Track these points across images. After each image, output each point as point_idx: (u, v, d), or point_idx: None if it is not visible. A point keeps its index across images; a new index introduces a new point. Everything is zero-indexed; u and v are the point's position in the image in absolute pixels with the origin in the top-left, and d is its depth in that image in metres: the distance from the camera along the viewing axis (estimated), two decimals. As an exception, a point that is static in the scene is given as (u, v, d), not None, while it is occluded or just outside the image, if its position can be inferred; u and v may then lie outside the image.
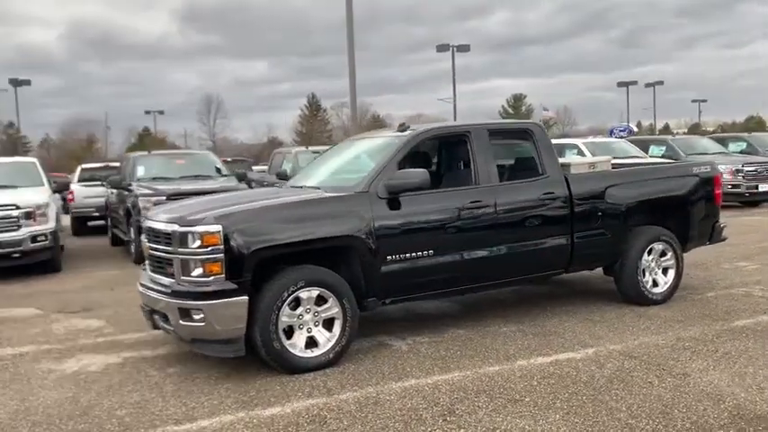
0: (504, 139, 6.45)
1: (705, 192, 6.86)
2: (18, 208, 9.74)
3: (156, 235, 5.07)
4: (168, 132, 73.77)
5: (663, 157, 16.73)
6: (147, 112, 64.23)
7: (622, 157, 15.01)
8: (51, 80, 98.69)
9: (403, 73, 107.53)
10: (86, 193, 16.17)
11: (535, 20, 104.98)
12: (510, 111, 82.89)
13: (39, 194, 10.44)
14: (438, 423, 3.91)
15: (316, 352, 4.92)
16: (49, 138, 73.14)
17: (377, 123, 70.99)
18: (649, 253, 6.48)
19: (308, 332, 4.92)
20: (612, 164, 7.14)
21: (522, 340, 5.52)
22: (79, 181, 17.43)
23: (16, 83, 44.91)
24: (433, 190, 5.53)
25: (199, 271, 4.65)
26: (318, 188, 5.64)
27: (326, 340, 4.96)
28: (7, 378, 5.09)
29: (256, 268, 4.76)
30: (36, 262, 10.02)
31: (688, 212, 6.78)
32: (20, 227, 9.70)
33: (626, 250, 6.35)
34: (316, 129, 74.30)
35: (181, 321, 4.73)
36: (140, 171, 11.86)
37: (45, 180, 11.40)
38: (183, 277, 4.72)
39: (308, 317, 4.91)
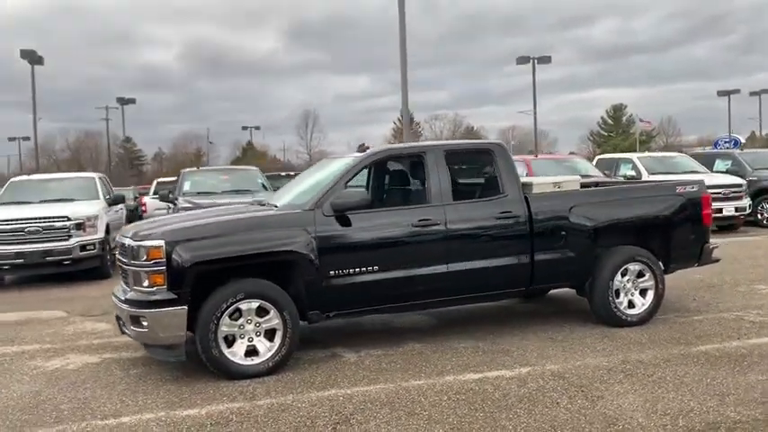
0: (464, 158, 6.57)
1: (690, 212, 6.66)
2: (69, 219, 10.76)
3: (122, 248, 5.61)
4: (269, 146, 77.43)
5: (727, 172, 15.94)
6: (245, 128, 67.33)
7: (679, 173, 14.52)
8: (168, 97, 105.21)
9: (502, 84, 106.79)
10: (157, 206, 17.37)
11: (643, 27, 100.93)
12: (609, 121, 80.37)
13: (91, 207, 11.47)
14: (327, 431, 4.15)
15: (256, 360, 5.27)
16: (161, 151, 78.36)
17: (470, 135, 71.04)
18: (624, 274, 6.38)
19: (250, 341, 5.28)
20: (595, 182, 7.05)
21: (470, 356, 5.62)
22: (154, 194, 18.76)
23: (123, 101, 48.50)
24: (383, 208, 5.77)
25: (146, 282, 5.12)
26: (276, 206, 6.01)
27: (267, 350, 5.30)
28: (-3, 372, 5.78)
29: (200, 280, 5.19)
30: (86, 269, 11.03)
31: (669, 233, 6.62)
32: (70, 236, 10.72)
33: (596, 270, 6.30)
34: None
35: (132, 327, 5.23)
36: (187, 186, 12.81)
37: (101, 194, 12.46)
38: (135, 287, 5.22)
39: (249, 327, 5.27)
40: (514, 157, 7.79)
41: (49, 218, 10.77)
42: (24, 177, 13.97)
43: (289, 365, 5.42)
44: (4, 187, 12.87)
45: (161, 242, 5.10)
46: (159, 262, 5.07)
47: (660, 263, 6.53)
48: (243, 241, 5.29)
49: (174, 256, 5.08)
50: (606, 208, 6.38)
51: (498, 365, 5.34)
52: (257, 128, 67.03)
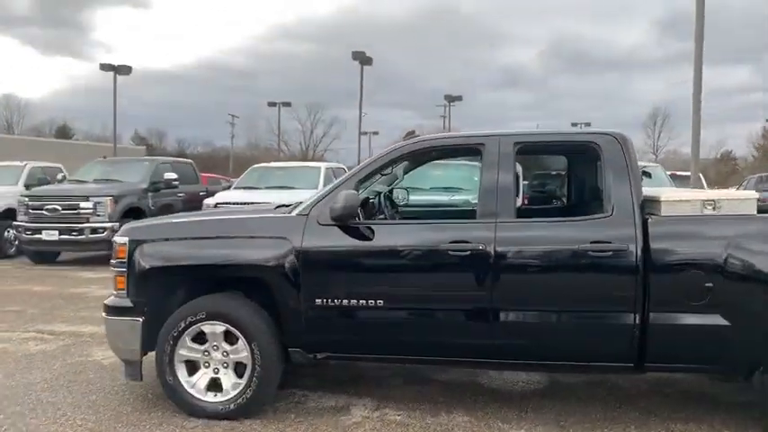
0: (548, 156, 4.41)
1: None
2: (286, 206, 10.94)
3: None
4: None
5: None
6: (575, 124, 64.49)
7: None
8: (526, 95, 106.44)
9: None
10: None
11: None
12: None
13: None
14: None
15: (218, 398, 4.19)
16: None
17: None
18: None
19: (215, 372, 4.22)
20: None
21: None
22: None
23: (450, 98, 50.15)
24: (403, 221, 4.13)
25: (114, 284, 4.43)
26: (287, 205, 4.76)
27: (231, 387, 4.18)
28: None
29: (169, 288, 4.33)
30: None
31: None
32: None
33: (776, 353, 3.68)
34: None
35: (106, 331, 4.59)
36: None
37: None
38: (112, 289, 4.57)
39: (216, 355, 4.21)
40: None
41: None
42: (262, 165, 14.81)
43: (266, 414, 4.21)
44: (245, 172, 13.85)
45: (125, 239, 4.33)
46: (122, 262, 4.32)
47: None
48: (211, 248, 4.24)
49: (135, 256, 4.28)
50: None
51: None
52: (588, 124, 63.40)
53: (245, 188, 12.51)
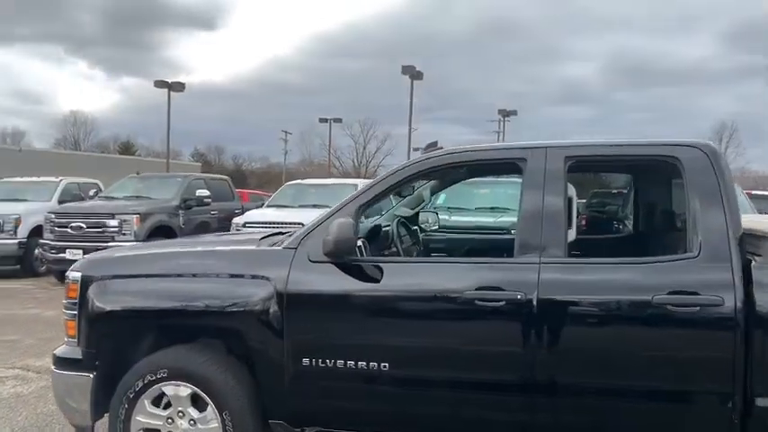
0: (611, 175, 3.37)
1: None
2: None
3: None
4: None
5: None
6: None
7: None
8: (586, 110, 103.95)
9: None
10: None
11: None
12: None
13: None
14: None
15: (182, 478, 3.31)
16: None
17: None
18: None
19: (182, 446, 3.35)
20: None
21: None
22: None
23: (504, 113, 48.82)
24: (415, 259, 3.21)
25: (66, 329, 3.62)
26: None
27: (199, 465, 3.29)
28: None
29: (126, 337, 3.49)
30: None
31: None
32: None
33: None
34: None
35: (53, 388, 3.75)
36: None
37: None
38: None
39: (181, 423, 3.33)
40: None
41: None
42: (297, 182, 14.07)
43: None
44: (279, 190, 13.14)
45: (78, 275, 3.52)
46: (72, 303, 3.50)
47: None
48: (156, 287, 3.38)
49: (87, 295, 3.45)
50: None
51: None
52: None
53: (277, 206, 11.76)
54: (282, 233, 3.89)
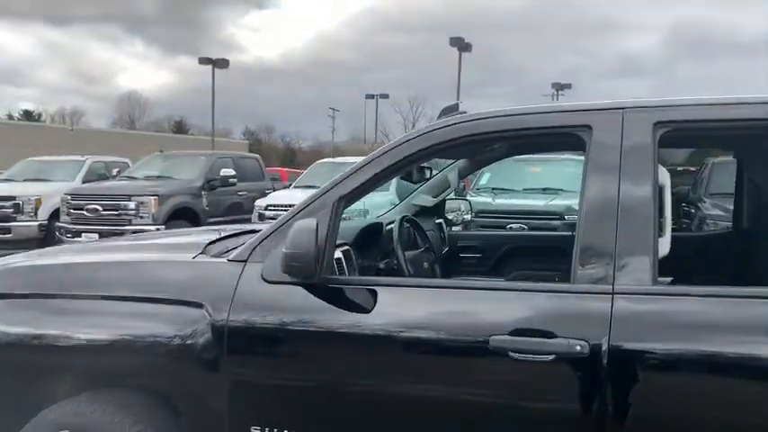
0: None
1: None
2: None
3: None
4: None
5: None
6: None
7: None
8: (645, 84, 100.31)
9: None
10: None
11: None
12: None
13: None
14: None
15: None
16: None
17: None
18: None
19: None
20: None
21: None
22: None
23: (559, 86, 46.75)
24: (416, 280, 2.14)
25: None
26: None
27: None
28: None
29: (29, 380, 2.51)
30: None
31: None
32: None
33: None
34: None
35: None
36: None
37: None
38: None
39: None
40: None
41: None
42: (327, 160, 13.13)
43: None
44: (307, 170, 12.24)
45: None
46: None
47: None
48: (43, 314, 2.38)
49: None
50: None
51: None
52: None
53: (304, 187, 10.75)
54: (256, 231, 2.84)
